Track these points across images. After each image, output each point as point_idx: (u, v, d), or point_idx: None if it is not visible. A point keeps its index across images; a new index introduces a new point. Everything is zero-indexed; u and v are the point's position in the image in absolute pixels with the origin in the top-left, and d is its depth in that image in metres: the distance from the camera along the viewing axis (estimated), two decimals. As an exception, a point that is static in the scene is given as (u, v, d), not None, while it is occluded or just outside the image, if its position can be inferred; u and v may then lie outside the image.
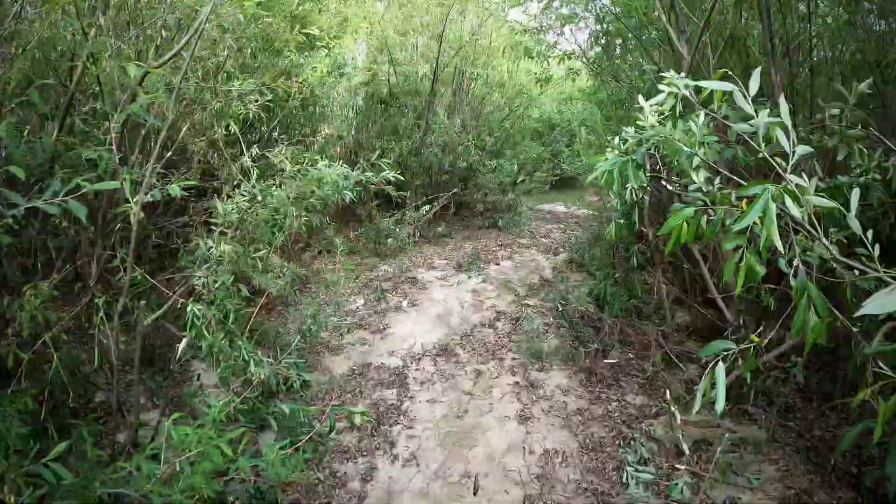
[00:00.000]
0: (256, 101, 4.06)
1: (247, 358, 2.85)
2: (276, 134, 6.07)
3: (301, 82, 5.21)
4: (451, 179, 7.49)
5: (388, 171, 3.92)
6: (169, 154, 3.43)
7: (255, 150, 4.08)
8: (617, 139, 2.16)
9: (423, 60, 7.70)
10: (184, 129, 3.74)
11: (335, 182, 3.67)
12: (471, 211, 8.23)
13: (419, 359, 4.23)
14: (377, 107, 8.15)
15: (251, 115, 5.41)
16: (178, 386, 3.59)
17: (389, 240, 6.57)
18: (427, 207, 6.70)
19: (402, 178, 7.63)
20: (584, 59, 6.01)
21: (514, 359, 4.18)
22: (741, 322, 3.30)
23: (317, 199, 3.81)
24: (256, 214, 3.68)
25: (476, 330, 4.70)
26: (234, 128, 4.13)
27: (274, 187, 3.71)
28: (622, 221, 3.26)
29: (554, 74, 7.44)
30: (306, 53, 5.64)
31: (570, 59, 5.78)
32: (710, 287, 3.52)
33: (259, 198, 3.60)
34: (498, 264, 6.33)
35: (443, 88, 8.10)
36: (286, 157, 4.14)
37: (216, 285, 3.07)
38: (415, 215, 6.70)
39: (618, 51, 5.52)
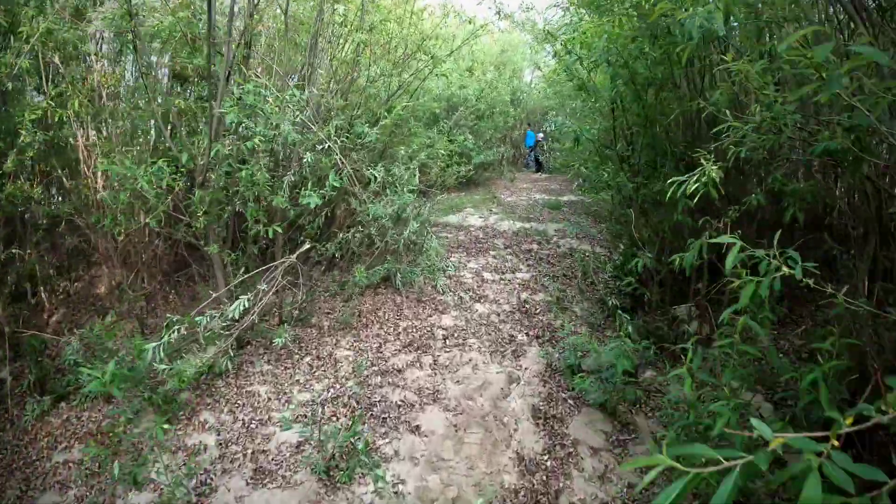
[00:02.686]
0: None
1: None
2: None
3: None
4: (296, 219, 3.80)
5: None
6: None
7: None
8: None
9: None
10: None
11: None
12: (341, 269, 4.59)
13: None
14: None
15: None
16: None
17: (169, 382, 2.82)
18: (245, 301, 2.95)
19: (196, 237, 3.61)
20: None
21: None
22: None
23: None
24: None
25: None
26: None
27: None
28: None
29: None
30: None
31: None
32: None
33: None
34: (415, 430, 2.88)
35: (263, 31, 4.25)
36: None
37: None
38: (218, 319, 2.94)
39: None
